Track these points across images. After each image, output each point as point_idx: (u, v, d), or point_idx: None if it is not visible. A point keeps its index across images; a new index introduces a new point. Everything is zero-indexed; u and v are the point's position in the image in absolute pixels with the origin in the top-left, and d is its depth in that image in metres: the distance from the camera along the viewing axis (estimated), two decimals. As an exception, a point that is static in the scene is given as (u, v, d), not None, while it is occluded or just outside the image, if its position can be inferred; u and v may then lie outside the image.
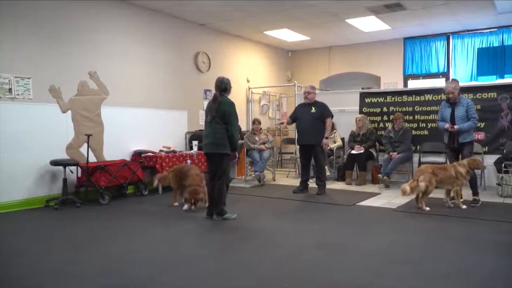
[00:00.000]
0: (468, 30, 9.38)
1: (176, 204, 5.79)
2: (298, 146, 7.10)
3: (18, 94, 5.68)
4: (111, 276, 3.19)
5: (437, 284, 2.97)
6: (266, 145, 7.97)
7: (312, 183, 6.92)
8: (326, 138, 6.63)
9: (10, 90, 5.58)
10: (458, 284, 2.97)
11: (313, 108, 6.60)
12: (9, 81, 5.58)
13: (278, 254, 3.69)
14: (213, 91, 5.08)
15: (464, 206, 5.42)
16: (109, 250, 3.85)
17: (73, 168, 6.08)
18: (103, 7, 6.76)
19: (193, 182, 5.40)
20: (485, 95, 6.96)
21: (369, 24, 8.82)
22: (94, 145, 6.54)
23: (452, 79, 5.85)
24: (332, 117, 6.68)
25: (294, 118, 6.87)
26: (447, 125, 5.68)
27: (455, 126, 5.61)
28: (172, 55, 8.03)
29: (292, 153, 9.54)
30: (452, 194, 5.52)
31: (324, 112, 6.60)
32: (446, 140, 5.84)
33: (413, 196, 5.49)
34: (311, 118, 6.57)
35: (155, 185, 6.22)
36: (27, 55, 5.78)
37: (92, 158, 6.43)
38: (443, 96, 7.35)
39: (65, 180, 5.85)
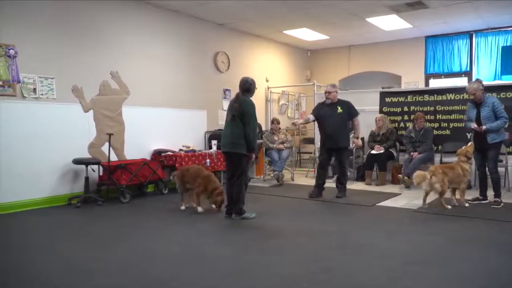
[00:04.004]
0: (492, 28, 9.17)
1: (194, 205, 5.65)
2: (318, 146, 6.96)
3: (42, 94, 5.80)
4: (132, 274, 3.24)
5: (460, 285, 2.92)
6: (285, 144, 7.95)
7: (331, 183, 6.82)
8: (357, 138, 6.53)
9: (34, 90, 5.71)
10: (482, 286, 2.91)
11: (339, 108, 6.22)
12: (33, 81, 5.71)
13: (298, 254, 3.69)
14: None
15: (467, 205, 5.45)
16: (130, 248, 3.90)
17: (95, 166, 6.19)
18: (124, 8, 6.86)
19: (217, 185, 5.34)
20: (509, 94, 6.80)
21: (390, 23, 8.70)
22: (116, 144, 6.64)
23: (476, 79, 5.64)
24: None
25: (317, 117, 6.42)
26: (474, 125, 5.47)
27: (483, 127, 5.39)
28: (191, 55, 8.09)
29: (311, 153, 9.50)
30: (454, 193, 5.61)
31: (352, 112, 6.29)
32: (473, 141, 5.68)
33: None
34: (339, 119, 6.17)
35: (172, 180, 6.31)
36: (51, 56, 5.90)
37: (114, 157, 6.54)
38: (466, 96, 7.23)
39: (87, 178, 5.95)
